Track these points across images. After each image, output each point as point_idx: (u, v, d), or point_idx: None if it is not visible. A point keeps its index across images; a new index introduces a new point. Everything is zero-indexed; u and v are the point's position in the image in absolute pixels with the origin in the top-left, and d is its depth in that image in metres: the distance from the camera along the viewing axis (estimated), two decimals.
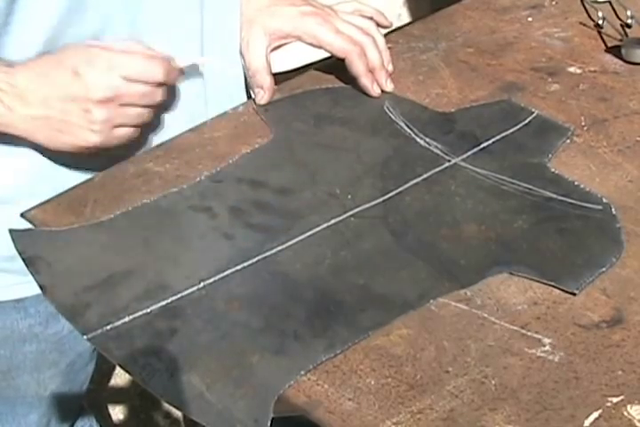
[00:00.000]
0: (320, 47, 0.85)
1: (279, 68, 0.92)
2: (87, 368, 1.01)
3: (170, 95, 0.80)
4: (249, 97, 0.92)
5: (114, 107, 0.73)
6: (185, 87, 0.83)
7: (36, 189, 0.78)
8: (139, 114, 0.75)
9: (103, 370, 1.59)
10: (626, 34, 0.99)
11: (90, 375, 1.03)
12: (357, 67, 0.85)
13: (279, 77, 0.90)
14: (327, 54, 0.87)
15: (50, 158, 0.79)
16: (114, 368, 1.66)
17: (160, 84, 0.75)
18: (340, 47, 0.84)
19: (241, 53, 0.87)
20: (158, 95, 0.76)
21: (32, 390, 0.96)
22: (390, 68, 0.88)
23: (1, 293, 0.86)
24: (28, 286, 0.83)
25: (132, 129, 0.76)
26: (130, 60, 0.73)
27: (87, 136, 0.73)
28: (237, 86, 0.91)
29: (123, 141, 0.76)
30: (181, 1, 0.80)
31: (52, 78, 0.72)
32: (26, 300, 0.87)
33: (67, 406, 1.06)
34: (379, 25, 0.91)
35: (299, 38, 0.86)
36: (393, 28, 0.97)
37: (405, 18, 1.27)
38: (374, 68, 0.86)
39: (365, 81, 0.86)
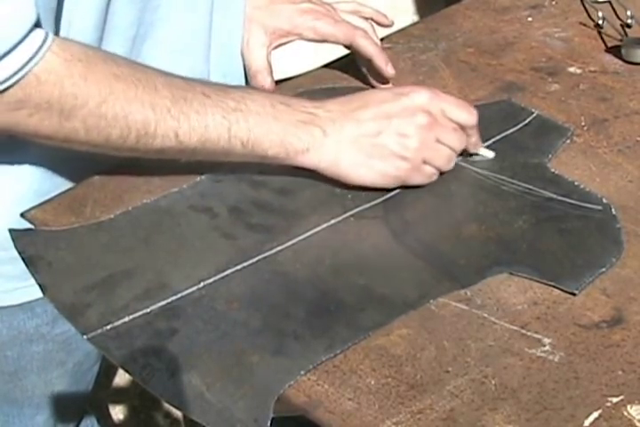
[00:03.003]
0: (323, 41, 0.85)
1: (281, 75, 0.92)
2: (94, 368, 1.01)
3: None
4: None
5: (429, 137, 0.73)
6: None
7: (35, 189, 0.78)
8: (448, 155, 0.75)
9: (103, 370, 1.59)
10: (626, 34, 0.99)
11: (95, 375, 1.03)
12: (367, 46, 0.84)
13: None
14: (327, 60, 0.87)
15: (50, 159, 0.79)
16: (115, 368, 1.65)
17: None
18: (343, 34, 0.84)
19: (241, 53, 0.87)
20: (464, 139, 0.76)
21: (39, 390, 0.96)
22: (390, 69, 0.87)
23: (6, 297, 0.86)
24: (32, 290, 0.83)
25: (435, 171, 0.75)
26: (447, 98, 0.75)
27: (398, 163, 0.73)
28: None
29: (422, 182, 0.75)
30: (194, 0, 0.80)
31: (367, 98, 0.74)
32: (32, 300, 0.87)
33: (73, 406, 1.05)
34: (379, 24, 0.90)
35: (300, 36, 0.86)
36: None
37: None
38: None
39: (379, 60, 0.85)
